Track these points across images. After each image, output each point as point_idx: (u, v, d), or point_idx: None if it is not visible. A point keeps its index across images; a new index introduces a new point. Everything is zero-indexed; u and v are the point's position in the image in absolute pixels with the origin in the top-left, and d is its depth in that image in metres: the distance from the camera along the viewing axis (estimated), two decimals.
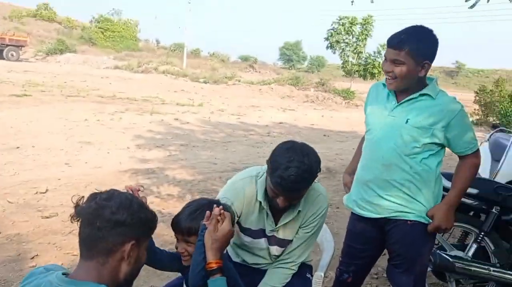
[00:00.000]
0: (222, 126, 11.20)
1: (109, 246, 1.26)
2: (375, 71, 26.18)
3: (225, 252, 2.02)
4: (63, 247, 3.74)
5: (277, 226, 2.04)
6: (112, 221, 1.25)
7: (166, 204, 5.02)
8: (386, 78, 2.08)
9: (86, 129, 9.16)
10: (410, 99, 2.08)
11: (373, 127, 2.19)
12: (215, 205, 1.67)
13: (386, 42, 2.04)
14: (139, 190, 1.64)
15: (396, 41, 1.99)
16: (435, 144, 2.07)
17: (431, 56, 2.03)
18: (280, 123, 13.02)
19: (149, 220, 1.36)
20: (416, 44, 1.97)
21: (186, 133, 9.67)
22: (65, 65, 29.84)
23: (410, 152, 2.07)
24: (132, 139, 8.49)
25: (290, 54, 71.50)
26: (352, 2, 3.48)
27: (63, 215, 4.34)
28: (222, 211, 1.60)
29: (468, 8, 3.48)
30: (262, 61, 56.22)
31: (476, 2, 3.52)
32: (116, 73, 26.93)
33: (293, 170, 1.78)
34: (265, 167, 2.08)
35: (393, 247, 2.23)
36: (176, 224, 1.77)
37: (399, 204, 2.14)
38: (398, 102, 2.11)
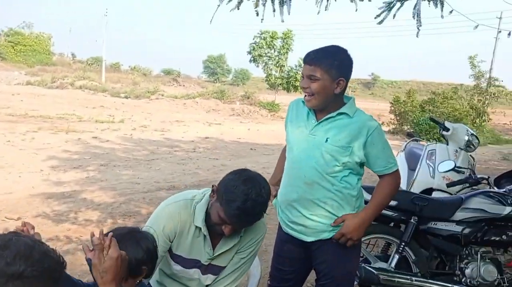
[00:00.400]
0: (145, 143, 10.87)
1: None
2: (298, 84, 26.93)
3: (147, 283, 1.89)
4: None
5: (215, 254, 1.98)
6: (7, 274, 1.08)
7: (84, 230, 4.70)
8: (304, 95, 2.10)
9: None
10: (329, 118, 2.10)
11: (295, 146, 2.18)
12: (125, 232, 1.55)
13: (302, 60, 2.07)
14: (33, 228, 1.44)
15: (312, 58, 2.03)
16: (355, 162, 2.10)
17: (346, 74, 2.07)
18: (206, 138, 12.91)
19: (53, 270, 1.17)
20: (331, 61, 2.01)
21: (106, 152, 9.23)
22: None
23: (331, 171, 2.08)
24: (46, 161, 7.94)
25: (214, 67, 71.71)
26: (262, 17, 3.50)
27: None
28: (102, 237, 1.41)
29: (377, 23, 3.65)
30: (186, 75, 56.01)
31: (384, 18, 3.71)
32: (29, 89, 25.26)
33: (252, 203, 1.78)
34: (202, 190, 2.05)
35: (319, 267, 2.21)
36: None
37: (323, 223, 2.13)
38: (317, 121, 2.12)
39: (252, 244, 2.03)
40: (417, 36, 3.29)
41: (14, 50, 41.08)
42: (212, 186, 1.93)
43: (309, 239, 2.16)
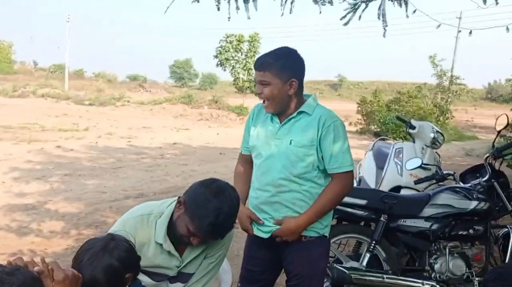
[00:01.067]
0: (111, 151, 10.66)
1: None
2: None
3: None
4: None
5: (183, 264, 1.92)
6: None
7: (49, 242, 4.56)
8: (262, 101, 2.14)
9: None
10: (290, 119, 2.13)
11: (261, 151, 2.19)
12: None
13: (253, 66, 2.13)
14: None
15: (260, 63, 2.08)
16: (321, 159, 2.10)
17: (298, 74, 2.10)
18: (175, 144, 12.79)
19: None
20: (280, 64, 2.04)
21: (70, 162, 8.98)
22: None
23: (298, 172, 2.09)
24: (8, 172, 7.65)
25: (181, 72, 71.00)
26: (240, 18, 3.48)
27: None
28: (40, 269, 1.34)
29: (343, 25, 3.68)
30: (152, 80, 55.18)
31: (349, 20, 3.74)
32: None
33: (224, 217, 1.75)
34: (161, 203, 1.98)
35: (289, 267, 2.21)
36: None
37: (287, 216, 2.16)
38: (280, 124, 2.15)
39: (221, 247, 1.99)
40: (384, 36, 3.34)
41: None
42: (178, 197, 1.86)
43: (277, 239, 2.15)
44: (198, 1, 3.29)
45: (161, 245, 1.86)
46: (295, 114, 2.12)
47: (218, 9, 3.25)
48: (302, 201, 2.11)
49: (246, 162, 2.35)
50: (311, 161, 2.08)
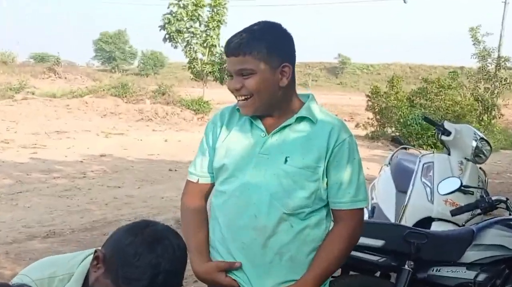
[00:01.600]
0: (7, 168, 10.59)
1: None
2: None
3: None
4: None
5: None
6: None
7: None
8: (238, 101, 2.11)
9: None
10: (284, 127, 2.10)
11: (235, 174, 2.12)
12: None
13: (223, 51, 2.14)
14: None
15: (237, 44, 2.04)
16: (325, 189, 2.10)
17: (290, 57, 2.11)
18: (102, 156, 12.78)
19: None
20: (266, 43, 2.03)
21: None
22: None
23: (294, 205, 2.05)
24: None
25: (111, 49, 70.82)
26: None
27: None
28: None
29: None
30: (68, 61, 54.68)
31: None
32: None
33: (164, 277, 1.69)
34: (70, 258, 1.95)
35: None
36: None
37: (281, 283, 2.11)
38: (268, 133, 2.10)
39: None
40: (404, 2, 3.37)
41: None
42: (95, 251, 1.79)
43: None
44: None
45: None
46: (292, 120, 2.10)
47: None
48: (297, 250, 2.09)
49: (202, 194, 2.29)
50: (314, 189, 2.06)
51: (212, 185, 2.26)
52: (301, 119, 2.11)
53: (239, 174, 2.13)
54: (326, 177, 2.08)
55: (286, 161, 2.06)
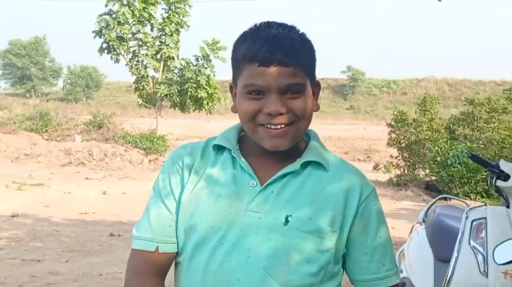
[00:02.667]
0: None
1: None
2: (202, 94, 27.27)
3: None
4: None
5: None
6: None
7: None
8: (271, 129, 2.03)
9: None
10: (285, 174, 2.09)
11: (211, 239, 2.08)
12: None
13: (251, 56, 1.99)
14: None
15: (289, 50, 1.98)
16: (338, 259, 2.11)
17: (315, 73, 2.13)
18: (14, 216, 12.84)
19: None
20: (308, 53, 2.06)
21: None
22: None
23: (297, 285, 2.04)
24: None
25: (24, 65, 70.89)
26: None
27: None
28: None
29: None
30: None
31: None
32: None
33: None
34: None
35: None
36: None
37: None
38: (262, 183, 2.09)
39: None
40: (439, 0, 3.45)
41: None
42: None
43: None
44: None
45: None
46: (296, 166, 2.10)
47: None
48: None
49: (161, 269, 2.18)
50: (324, 263, 2.05)
51: (174, 255, 2.17)
52: (307, 164, 2.11)
53: (216, 240, 2.06)
54: (346, 247, 2.09)
55: (287, 221, 2.02)
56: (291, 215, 2.01)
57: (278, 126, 1.99)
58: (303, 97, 2.01)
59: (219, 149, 2.16)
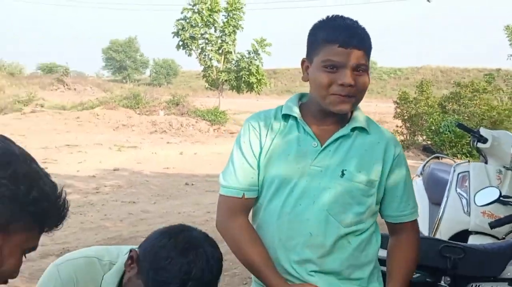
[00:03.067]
0: None
1: None
2: (253, 79, 27.18)
3: None
4: None
5: None
6: None
7: None
8: (333, 93, 2.00)
9: None
10: (339, 138, 2.07)
11: (285, 188, 2.07)
12: None
13: (333, 39, 1.98)
14: None
15: (362, 37, 2.01)
16: (377, 203, 2.13)
17: None
18: (116, 170, 12.85)
19: (34, 199, 1.29)
20: (370, 42, 2.07)
21: None
22: None
23: (350, 221, 2.05)
24: None
25: (121, 59, 71.16)
26: None
27: None
28: None
29: None
30: (77, 72, 55.27)
31: None
32: None
33: (193, 285, 1.74)
34: (117, 250, 2.04)
35: None
36: None
37: None
38: (322, 143, 2.07)
39: None
40: (428, 1, 3.38)
41: None
42: (130, 251, 1.88)
43: None
44: None
45: None
46: (347, 130, 2.07)
47: None
48: (352, 267, 2.09)
49: (247, 211, 2.16)
50: (369, 204, 2.08)
51: (255, 198, 2.15)
52: (354, 129, 2.09)
53: (288, 189, 2.06)
54: (384, 192, 2.11)
55: (343, 174, 2.03)
56: (346, 169, 2.03)
57: (343, 94, 1.98)
58: (365, 75, 2.02)
59: (286, 116, 2.11)
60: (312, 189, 2.03)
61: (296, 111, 2.09)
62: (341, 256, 2.05)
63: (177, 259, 1.74)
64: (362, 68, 2.00)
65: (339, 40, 1.95)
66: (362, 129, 2.09)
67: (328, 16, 2.09)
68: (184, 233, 1.84)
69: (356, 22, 2.06)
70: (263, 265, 2.05)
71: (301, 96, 2.20)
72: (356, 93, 2.01)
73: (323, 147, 2.04)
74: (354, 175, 2.03)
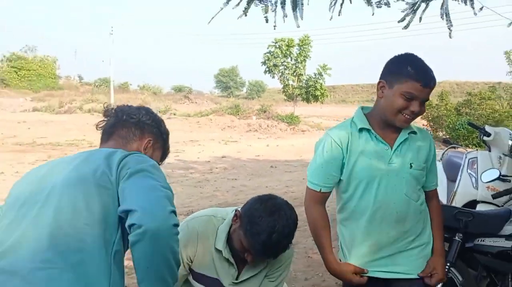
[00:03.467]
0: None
1: (129, 135, 1.72)
2: (318, 93, 27.02)
3: None
4: None
5: (240, 279, 2.00)
6: (138, 118, 1.76)
7: None
8: (404, 115, 1.97)
9: (2, 184, 8.59)
10: (404, 140, 2.06)
11: (373, 182, 2.02)
12: None
13: (418, 78, 1.92)
14: None
15: (434, 80, 1.97)
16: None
17: None
18: (223, 157, 12.99)
19: (163, 130, 1.89)
20: None
21: None
22: None
23: (416, 197, 2.09)
24: None
25: (226, 81, 72.30)
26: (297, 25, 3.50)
27: None
28: None
29: (402, 29, 3.61)
30: (197, 91, 56.63)
31: (409, 22, 3.67)
32: (35, 116, 25.84)
33: (277, 237, 1.81)
34: (226, 209, 2.11)
35: None
36: None
37: (418, 258, 2.11)
38: (391, 147, 2.04)
39: (280, 267, 2.06)
40: (450, 37, 3.25)
41: (18, 75, 42.02)
42: (235, 210, 1.96)
43: (408, 276, 2.07)
44: (245, 15, 3.35)
45: (220, 251, 1.96)
46: (406, 135, 2.05)
47: (267, 21, 3.29)
48: (419, 228, 2.12)
49: (324, 201, 2.12)
50: (423, 181, 2.12)
51: (330, 193, 2.11)
52: (411, 133, 2.08)
53: (376, 182, 2.02)
54: (426, 171, 2.13)
55: (411, 166, 2.04)
56: (412, 163, 2.05)
57: (409, 117, 1.97)
58: (424, 105, 2.01)
59: (361, 129, 2.03)
60: (393, 180, 2.01)
61: (367, 125, 2.03)
62: (412, 223, 2.08)
63: (266, 218, 1.81)
64: (425, 101, 1.98)
65: (422, 81, 1.91)
66: (413, 132, 2.08)
67: (411, 54, 2.03)
68: (271, 200, 1.91)
69: (420, 59, 2.03)
70: (327, 246, 2.05)
71: (362, 108, 2.14)
72: (414, 117, 2.00)
73: (393, 149, 2.03)
74: (418, 165, 2.05)
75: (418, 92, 1.91)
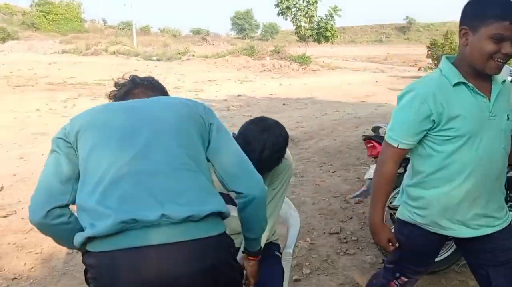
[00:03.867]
0: None
1: (145, 95, 1.84)
2: (328, 34, 26.35)
3: None
4: (25, 246, 3.59)
5: None
6: (149, 81, 1.92)
7: None
8: (496, 60, 1.69)
9: (38, 119, 8.78)
10: (499, 92, 1.81)
11: (476, 137, 1.78)
12: None
13: (505, 17, 1.62)
14: None
15: None
16: None
17: None
18: (239, 96, 12.91)
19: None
20: None
21: None
22: (9, 53, 28.22)
23: (509, 150, 1.88)
24: None
25: (242, 23, 70.60)
26: None
27: (21, 213, 4.16)
28: None
29: None
30: (214, 33, 55.59)
31: None
32: (65, 57, 25.75)
33: (268, 153, 1.85)
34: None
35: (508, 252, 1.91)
36: None
37: (506, 207, 1.96)
38: (489, 99, 1.78)
39: (279, 176, 2.07)
40: None
41: (47, 19, 41.60)
42: (232, 133, 1.94)
43: (495, 229, 1.89)
44: None
45: None
46: (500, 85, 1.81)
47: None
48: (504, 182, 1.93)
49: (400, 159, 1.88)
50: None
51: (408, 150, 1.86)
52: (503, 82, 1.84)
53: (478, 136, 1.78)
54: None
55: (508, 118, 1.82)
56: (509, 114, 1.83)
57: (502, 60, 1.68)
58: None
59: (455, 84, 1.76)
60: (493, 134, 1.78)
61: (461, 78, 1.75)
62: (504, 175, 1.90)
63: (258, 137, 1.87)
64: None
65: (510, 18, 1.62)
66: (504, 81, 1.83)
67: None
68: (262, 121, 1.94)
69: None
70: (382, 203, 1.88)
71: (447, 58, 1.86)
72: (506, 60, 1.72)
73: (492, 102, 1.77)
74: None
75: (507, 31, 1.63)
